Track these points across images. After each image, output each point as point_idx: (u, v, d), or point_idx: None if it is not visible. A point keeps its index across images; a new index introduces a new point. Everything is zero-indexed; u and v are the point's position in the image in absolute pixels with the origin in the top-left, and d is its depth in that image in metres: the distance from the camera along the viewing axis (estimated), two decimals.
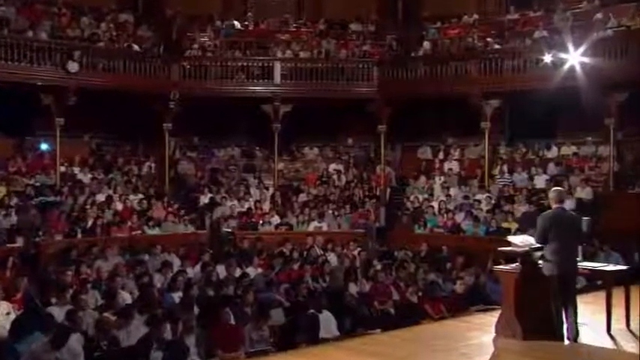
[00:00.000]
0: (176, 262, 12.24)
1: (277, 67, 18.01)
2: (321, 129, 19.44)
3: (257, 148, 19.65)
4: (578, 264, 7.04)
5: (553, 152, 17.52)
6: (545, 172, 16.51)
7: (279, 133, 18.05)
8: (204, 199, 16.95)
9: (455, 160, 18.53)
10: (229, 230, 15.40)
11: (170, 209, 16.02)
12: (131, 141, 18.70)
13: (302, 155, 19.83)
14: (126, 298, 9.32)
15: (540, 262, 6.97)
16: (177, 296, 9.58)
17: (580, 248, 7.15)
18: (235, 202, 16.70)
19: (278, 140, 18.12)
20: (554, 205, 6.90)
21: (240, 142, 19.92)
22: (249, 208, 16.45)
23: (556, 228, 6.70)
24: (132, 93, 16.44)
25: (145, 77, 16.96)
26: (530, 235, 7.64)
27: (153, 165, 18.07)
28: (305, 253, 13.94)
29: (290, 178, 18.79)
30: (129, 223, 14.67)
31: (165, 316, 8.04)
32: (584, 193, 15.08)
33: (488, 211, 15.53)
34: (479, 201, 16.13)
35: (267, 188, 17.86)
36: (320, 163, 19.27)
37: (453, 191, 17.08)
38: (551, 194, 6.99)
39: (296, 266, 12.59)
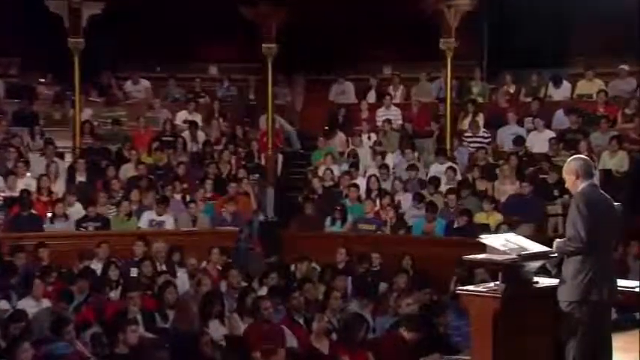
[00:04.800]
0: None
1: None
2: (159, 48, 19.39)
3: (41, 80, 19.38)
4: None
5: (563, 90, 18.07)
6: (548, 126, 16.96)
7: (82, 53, 17.72)
8: None
9: (395, 104, 18.77)
10: None
11: None
12: None
13: (125, 96, 19.68)
14: None
15: (539, 280, 7.06)
16: None
17: None
18: None
19: (80, 66, 17.79)
20: (581, 184, 6.93)
21: (7, 70, 19.51)
22: (26, 191, 16.08)
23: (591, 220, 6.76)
24: None
25: None
26: (522, 234, 7.74)
27: None
28: (131, 270, 13.87)
29: (104, 135, 18.59)
30: None
31: None
32: (616, 161, 15.56)
33: (450, 193, 15.80)
34: (436, 176, 16.39)
35: (60, 155, 17.65)
36: (159, 110, 19.14)
37: (391, 159, 17.40)
38: (574, 164, 6.96)
39: (114, 294, 12.66)
